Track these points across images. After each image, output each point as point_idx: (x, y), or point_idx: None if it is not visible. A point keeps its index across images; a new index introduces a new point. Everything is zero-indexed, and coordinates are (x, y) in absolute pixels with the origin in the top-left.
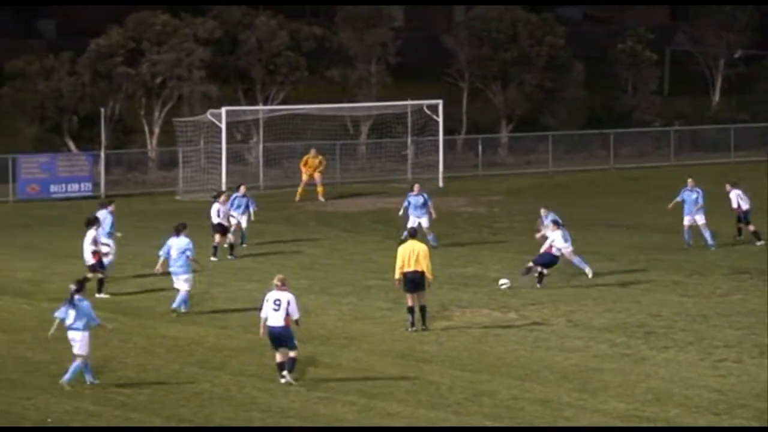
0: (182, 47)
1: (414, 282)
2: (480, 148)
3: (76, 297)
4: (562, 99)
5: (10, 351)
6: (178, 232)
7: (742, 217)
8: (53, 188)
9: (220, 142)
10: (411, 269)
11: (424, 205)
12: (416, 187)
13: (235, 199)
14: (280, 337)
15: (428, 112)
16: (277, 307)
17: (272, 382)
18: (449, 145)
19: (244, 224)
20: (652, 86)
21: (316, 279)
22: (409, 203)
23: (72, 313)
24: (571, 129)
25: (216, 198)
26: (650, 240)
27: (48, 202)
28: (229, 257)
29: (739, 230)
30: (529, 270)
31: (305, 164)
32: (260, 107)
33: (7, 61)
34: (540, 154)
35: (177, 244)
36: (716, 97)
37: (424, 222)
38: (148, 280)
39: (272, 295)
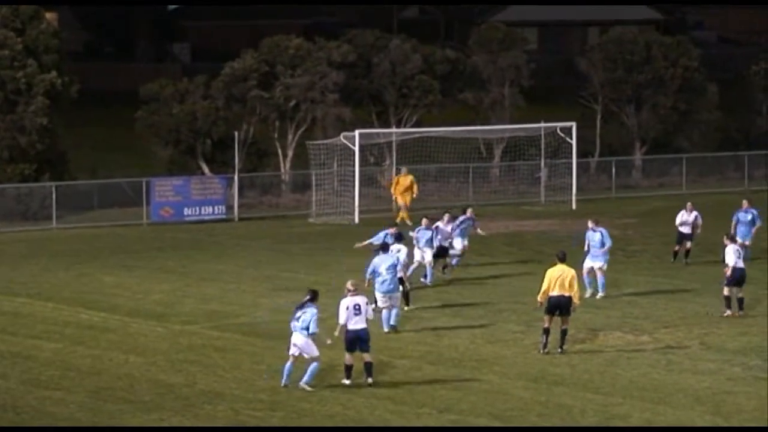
0: (316, 70)
1: (559, 306)
2: (613, 170)
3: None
4: (696, 121)
5: (143, 373)
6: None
7: None
8: (187, 211)
9: (353, 165)
10: (557, 293)
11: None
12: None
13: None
14: (363, 339)
15: (562, 135)
16: (358, 311)
17: (405, 404)
18: (582, 168)
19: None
20: None
21: (449, 301)
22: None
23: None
24: (705, 151)
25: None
26: None
27: (181, 225)
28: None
29: None
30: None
31: (397, 184)
32: (393, 130)
33: (143, 85)
34: (673, 176)
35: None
36: None
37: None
38: (282, 302)
39: (349, 301)
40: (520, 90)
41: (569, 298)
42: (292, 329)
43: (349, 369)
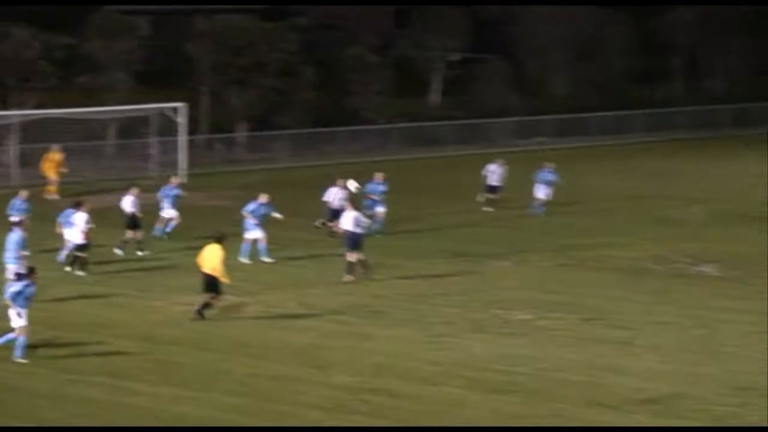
0: None
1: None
2: (219, 146)
3: None
4: (294, 101)
5: None
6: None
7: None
8: None
9: None
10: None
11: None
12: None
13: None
14: None
15: (172, 115)
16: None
17: (29, 366)
18: (191, 145)
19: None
20: (377, 87)
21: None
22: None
23: None
24: (303, 128)
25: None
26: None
27: None
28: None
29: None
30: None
31: (49, 160)
32: (13, 112)
33: None
34: (275, 151)
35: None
36: (436, 97)
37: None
38: None
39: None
40: (134, 74)
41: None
42: None
43: None
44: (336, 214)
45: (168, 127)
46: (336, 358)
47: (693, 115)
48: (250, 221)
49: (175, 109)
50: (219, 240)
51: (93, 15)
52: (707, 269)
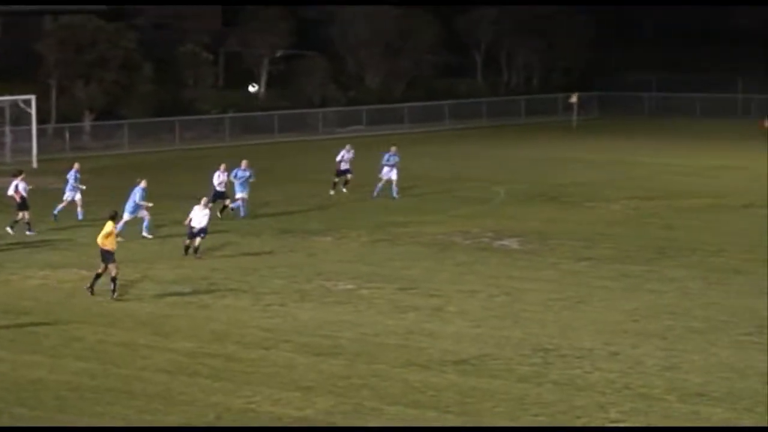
0: None
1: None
2: (67, 135)
3: None
4: (135, 93)
5: None
6: None
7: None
8: None
9: None
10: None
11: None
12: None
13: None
14: None
15: (23, 106)
16: None
17: None
18: (41, 134)
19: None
20: (209, 81)
21: None
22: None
23: None
24: (143, 118)
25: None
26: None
27: None
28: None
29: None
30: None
31: None
32: None
33: None
34: (118, 139)
35: None
36: (262, 89)
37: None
38: None
39: None
40: None
41: (107, 250)
42: None
43: None
44: (220, 195)
45: (20, 118)
46: (177, 325)
47: (494, 105)
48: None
49: (26, 101)
50: (112, 218)
51: None
52: (508, 243)
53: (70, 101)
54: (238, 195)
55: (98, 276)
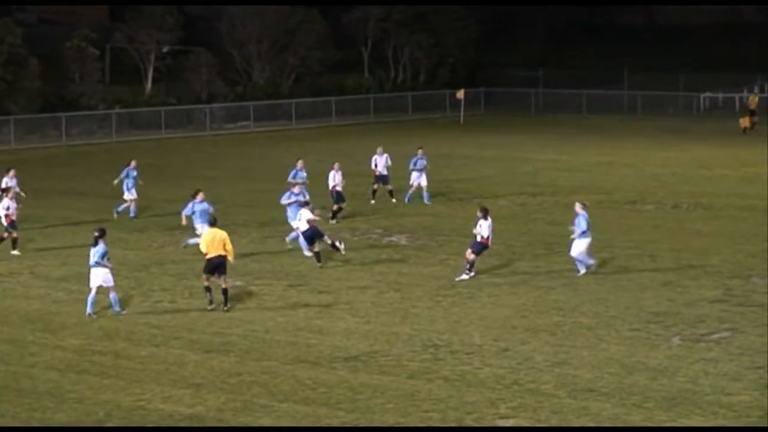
0: None
1: (216, 266)
2: None
3: None
4: (21, 89)
5: None
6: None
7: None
8: None
9: None
10: (213, 254)
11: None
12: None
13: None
14: None
15: None
16: None
17: None
18: None
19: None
20: (96, 76)
21: None
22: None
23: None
24: (30, 114)
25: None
26: (96, 204)
27: None
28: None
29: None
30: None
31: None
32: None
33: None
34: (4, 135)
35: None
36: (149, 85)
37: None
38: None
39: None
40: None
41: (224, 257)
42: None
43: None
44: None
45: None
46: (65, 322)
47: (381, 101)
48: None
49: None
50: (211, 224)
51: None
52: (397, 239)
53: None
54: (129, 197)
55: (209, 289)
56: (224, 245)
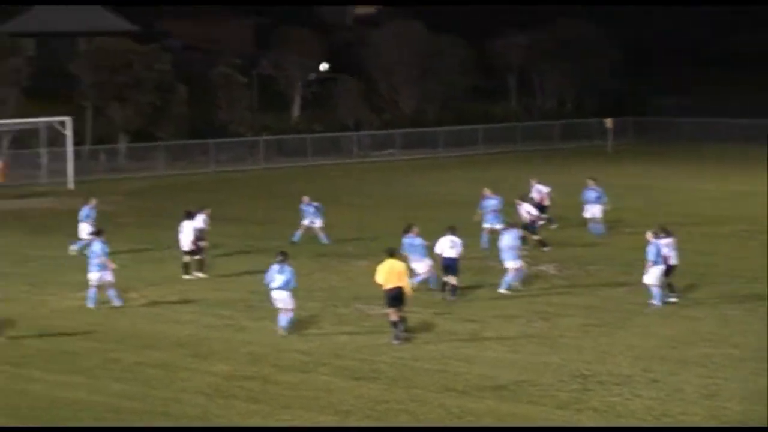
0: None
1: (396, 297)
2: (103, 156)
3: None
4: (169, 115)
5: None
6: None
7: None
8: None
9: None
10: (392, 286)
11: None
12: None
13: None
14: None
15: (59, 128)
16: None
17: None
18: (77, 155)
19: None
20: (243, 103)
21: None
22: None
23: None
24: (178, 140)
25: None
26: (250, 230)
27: None
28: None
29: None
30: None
31: None
32: None
33: None
34: (153, 160)
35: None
36: (296, 112)
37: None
38: None
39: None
40: (21, 90)
41: (402, 289)
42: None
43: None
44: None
45: (56, 139)
46: (215, 348)
47: (528, 129)
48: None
49: (62, 123)
50: (391, 254)
51: None
52: (546, 268)
53: (105, 123)
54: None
55: (396, 323)
56: (401, 276)
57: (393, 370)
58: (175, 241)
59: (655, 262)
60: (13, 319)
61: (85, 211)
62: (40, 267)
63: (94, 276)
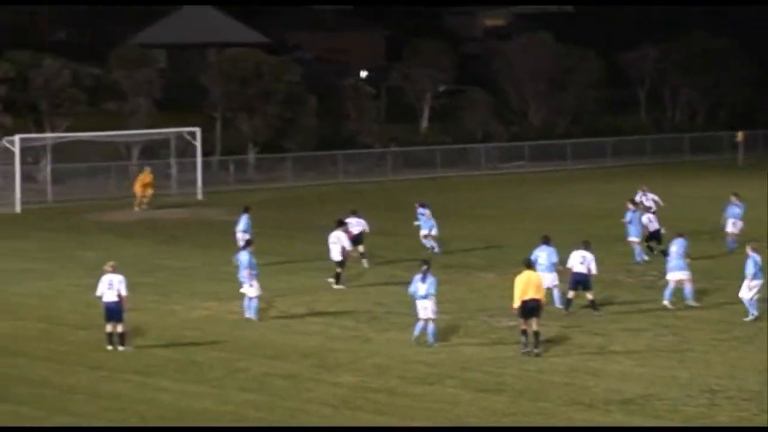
0: None
1: (531, 309)
2: (231, 167)
3: None
4: (298, 126)
5: None
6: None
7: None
8: None
9: (14, 164)
10: (528, 297)
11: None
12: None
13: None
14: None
15: (188, 138)
16: (110, 287)
17: (62, 363)
18: (206, 166)
19: None
20: (372, 115)
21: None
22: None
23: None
24: (306, 151)
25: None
26: (377, 241)
27: None
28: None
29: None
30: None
31: (141, 180)
32: (47, 135)
33: None
34: (281, 171)
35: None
36: (424, 124)
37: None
38: None
39: (106, 278)
40: (153, 101)
41: (539, 301)
42: (416, 297)
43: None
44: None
45: (186, 150)
46: (341, 359)
47: (658, 142)
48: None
49: (191, 134)
50: (528, 265)
51: (117, 48)
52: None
53: (234, 134)
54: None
55: (529, 334)
56: (539, 288)
57: (519, 383)
58: (302, 253)
59: (755, 276)
60: (141, 328)
61: (243, 220)
62: (169, 277)
63: (246, 288)
